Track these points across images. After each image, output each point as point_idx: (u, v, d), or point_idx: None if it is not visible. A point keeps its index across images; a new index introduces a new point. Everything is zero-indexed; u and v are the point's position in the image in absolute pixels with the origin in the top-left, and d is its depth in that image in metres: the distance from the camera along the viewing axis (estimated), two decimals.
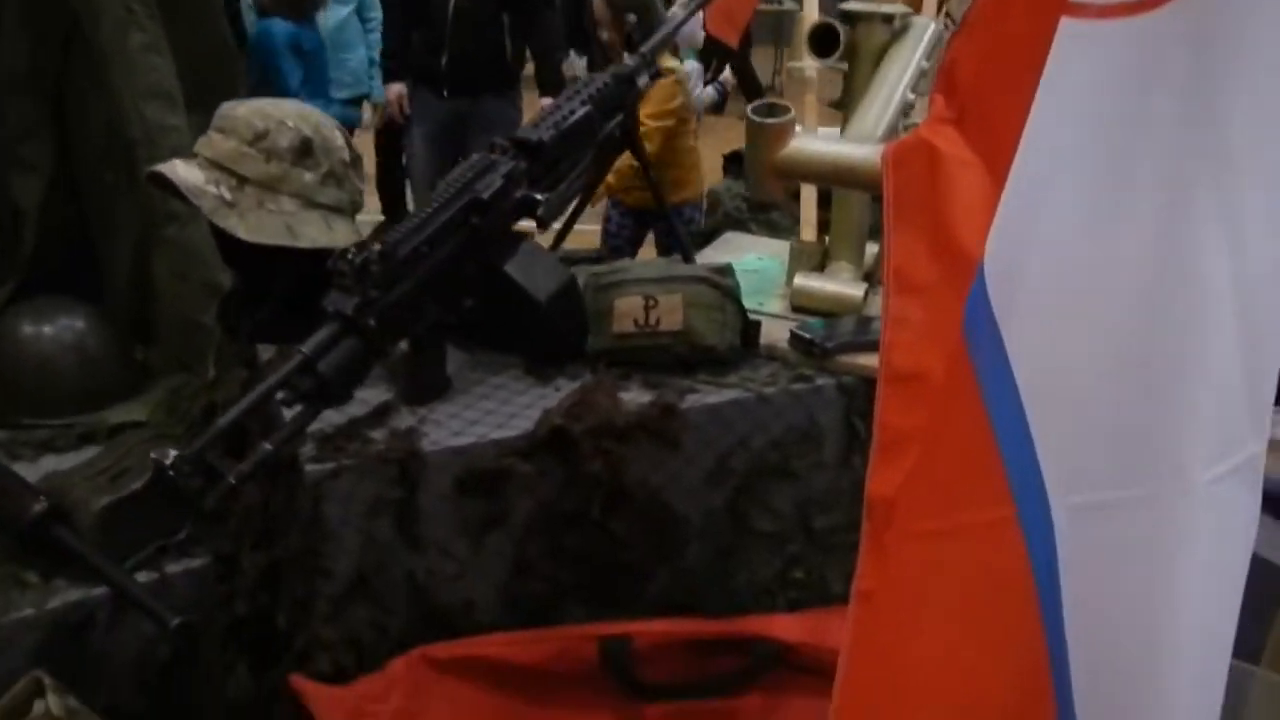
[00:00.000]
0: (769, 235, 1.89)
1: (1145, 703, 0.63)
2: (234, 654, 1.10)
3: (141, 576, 1.11)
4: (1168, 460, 0.62)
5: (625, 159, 1.43)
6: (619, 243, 2.94)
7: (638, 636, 1.18)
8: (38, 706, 1.01)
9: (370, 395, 1.20)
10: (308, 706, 1.02)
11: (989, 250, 0.70)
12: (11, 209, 1.52)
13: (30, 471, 1.24)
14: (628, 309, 1.26)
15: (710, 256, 1.67)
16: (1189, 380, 0.62)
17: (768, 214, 2.15)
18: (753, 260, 1.64)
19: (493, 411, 1.19)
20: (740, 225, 2.10)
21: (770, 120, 1.24)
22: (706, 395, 1.25)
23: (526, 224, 2.10)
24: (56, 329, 1.47)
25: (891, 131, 1.23)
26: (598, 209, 2.96)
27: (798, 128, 1.33)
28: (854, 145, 1.21)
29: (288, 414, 1.06)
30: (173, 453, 0.92)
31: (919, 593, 0.76)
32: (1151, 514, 0.63)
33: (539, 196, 1.21)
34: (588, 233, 3.13)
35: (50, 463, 1.29)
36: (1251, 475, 0.62)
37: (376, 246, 1.06)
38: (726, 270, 1.31)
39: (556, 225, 1.34)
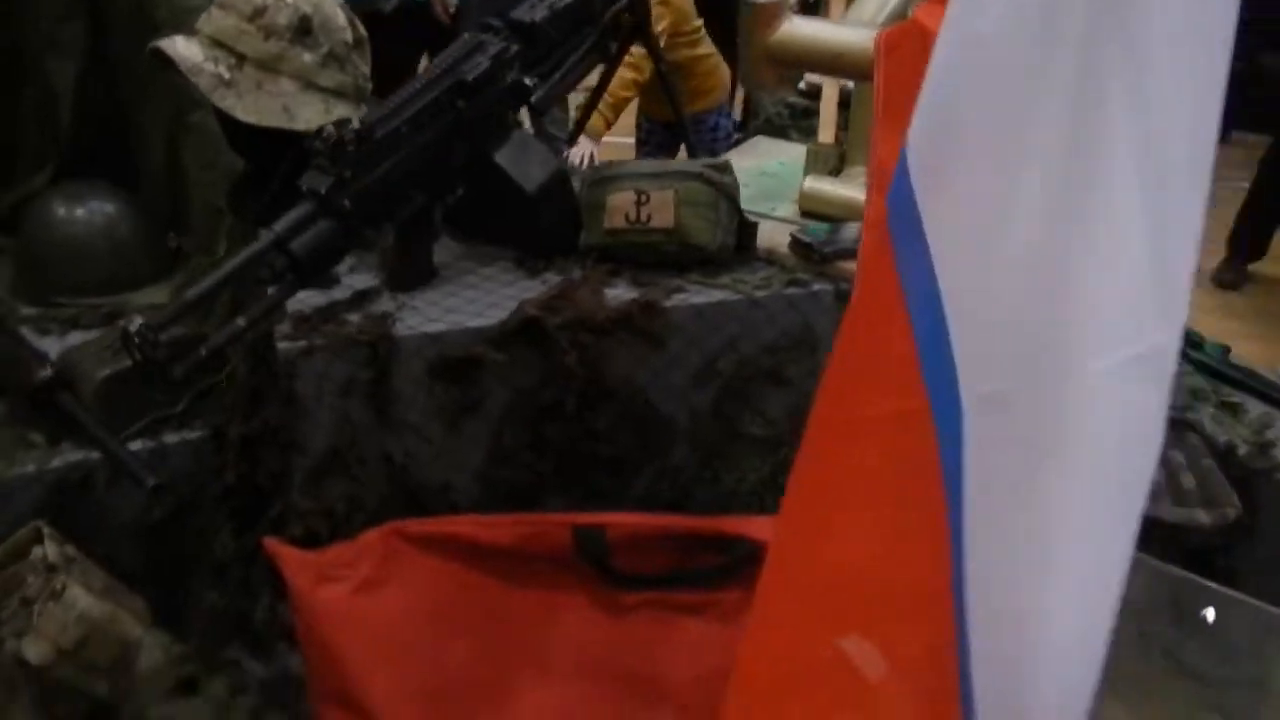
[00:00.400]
0: (808, 141, 1.82)
1: (1036, 594, 0.61)
2: (221, 518, 1.16)
3: (140, 445, 1.17)
4: (1062, 346, 0.59)
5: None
6: (650, 149, 2.89)
7: (612, 527, 1.19)
8: (36, 552, 1.08)
9: (359, 281, 1.22)
10: (279, 567, 1.07)
11: (911, 134, 0.67)
12: (49, 93, 1.57)
13: (56, 347, 1.31)
14: (620, 204, 1.23)
15: (734, 160, 1.62)
16: (1088, 264, 0.59)
17: (810, 120, 2.07)
18: (774, 164, 1.58)
19: (474, 301, 1.19)
20: (780, 132, 2.03)
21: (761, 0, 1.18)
22: (694, 295, 1.23)
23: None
24: (89, 212, 1.52)
25: (897, 17, 1.16)
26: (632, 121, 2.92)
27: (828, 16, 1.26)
28: (849, 29, 1.14)
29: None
30: (138, 320, 0.95)
31: (834, 482, 0.75)
32: (1044, 402, 0.60)
33: (529, 82, 1.18)
34: (623, 146, 3.09)
35: (75, 339, 1.36)
36: (1155, 368, 0.57)
37: (354, 125, 1.06)
38: (724, 167, 1.27)
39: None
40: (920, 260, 0.67)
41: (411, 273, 1.20)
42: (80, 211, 1.52)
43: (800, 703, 0.78)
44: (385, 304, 1.17)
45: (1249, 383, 1.79)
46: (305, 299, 1.14)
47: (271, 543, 1.08)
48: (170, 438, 1.19)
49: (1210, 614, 1.12)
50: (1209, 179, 0.57)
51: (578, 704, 1.15)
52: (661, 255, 1.25)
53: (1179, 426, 1.62)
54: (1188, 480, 1.58)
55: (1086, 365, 0.58)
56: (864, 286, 0.74)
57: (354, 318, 1.13)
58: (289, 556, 1.08)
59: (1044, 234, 0.61)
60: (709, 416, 1.26)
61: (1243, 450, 1.60)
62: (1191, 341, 1.90)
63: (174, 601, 1.18)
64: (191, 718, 1.08)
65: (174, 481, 1.18)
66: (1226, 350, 1.93)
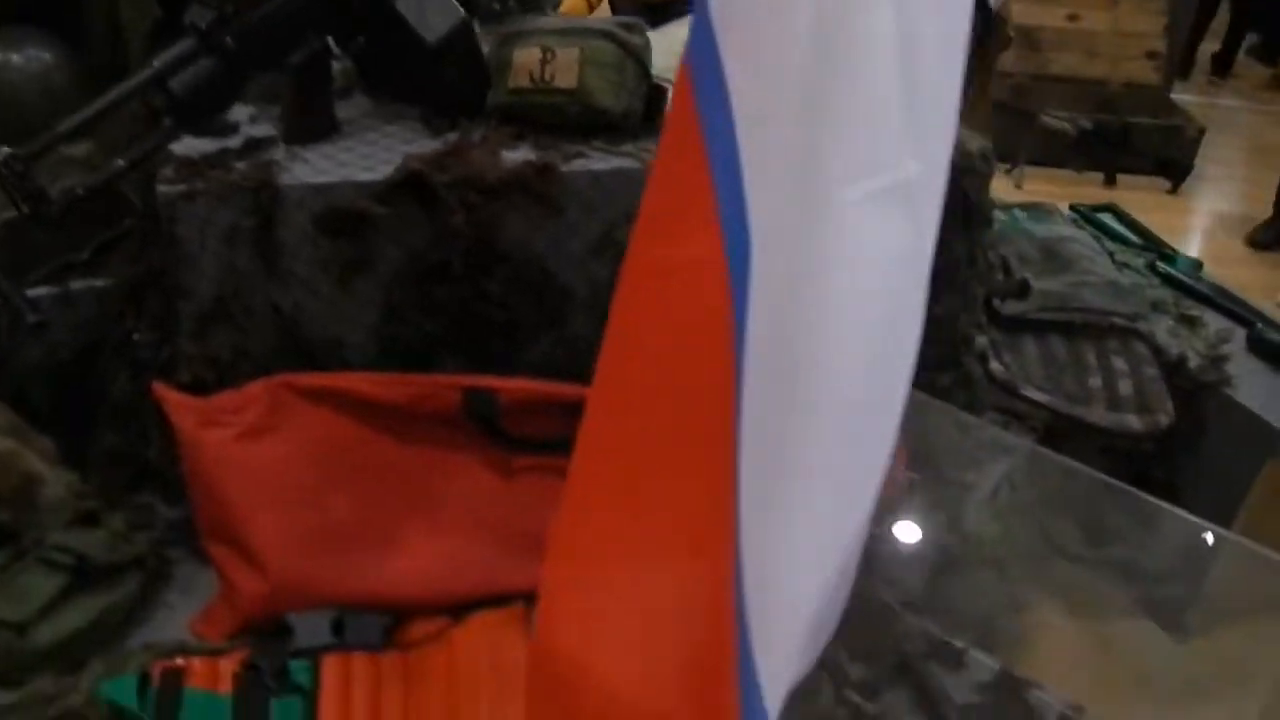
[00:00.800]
0: None
1: (801, 435, 0.60)
2: (120, 363, 1.19)
3: (46, 290, 1.20)
4: (818, 177, 0.57)
5: None
6: None
7: (503, 392, 1.20)
8: None
9: (258, 131, 1.21)
10: (165, 410, 1.10)
11: None
12: None
13: None
14: (525, 61, 1.20)
15: (672, 32, 1.56)
16: (843, 96, 0.57)
17: None
18: None
19: (368, 157, 1.18)
20: None
21: None
22: (594, 161, 1.20)
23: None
24: (25, 58, 1.52)
25: None
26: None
27: None
28: None
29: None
30: (5, 149, 0.96)
31: (635, 328, 0.74)
32: (801, 232, 0.58)
33: None
34: None
35: None
36: (908, 198, 0.55)
37: None
38: (634, 27, 1.22)
39: None
40: (718, 96, 0.65)
41: (308, 124, 1.19)
42: (15, 57, 1.52)
43: (599, 566, 0.79)
44: (276, 154, 1.16)
45: (1213, 297, 1.75)
46: (196, 145, 1.14)
47: (159, 387, 1.11)
48: (77, 284, 1.22)
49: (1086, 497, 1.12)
50: (968, 23, 0.54)
51: (460, 554, 1.18)
52: (565, 117, 1.22)
53: (1126, 334, 1.60)
54: (1125, 387, 1.56)
55: (836, 194, 0.57)
56: (670, 126, 0.71)
57: (241, 165, 1.13)
58: (174, 400, 1.10)
59: (809, 67, 0.58)
60: (608, 288, 1.24)
61: (1194, 362, 1.57)
62: (1163, 255, 1.85)
63: (82, 444, 1.22)
64: (87, 545, 1.13)
65: (79, 327, 1.21)
66: (1198, 265, 1.87)
